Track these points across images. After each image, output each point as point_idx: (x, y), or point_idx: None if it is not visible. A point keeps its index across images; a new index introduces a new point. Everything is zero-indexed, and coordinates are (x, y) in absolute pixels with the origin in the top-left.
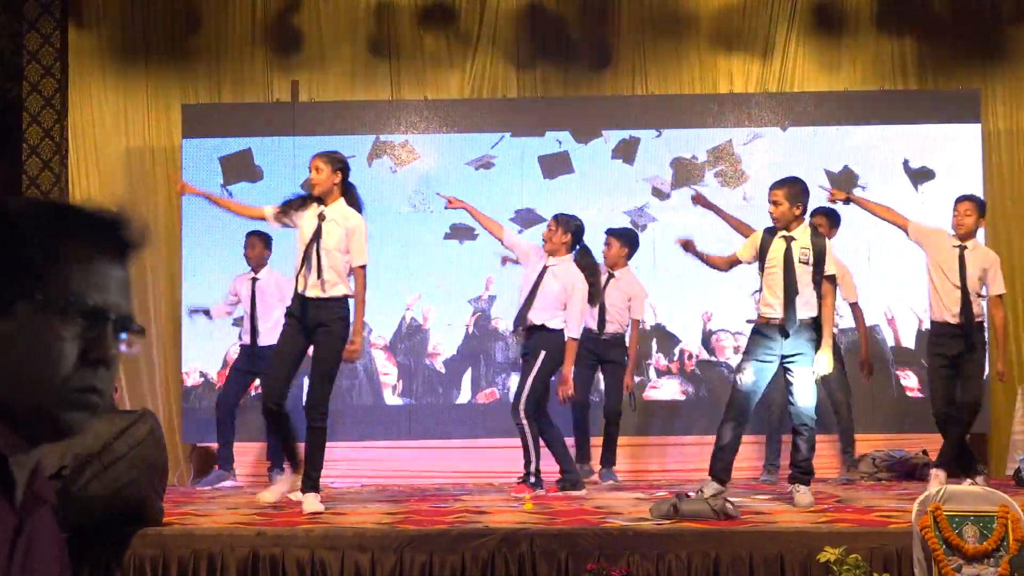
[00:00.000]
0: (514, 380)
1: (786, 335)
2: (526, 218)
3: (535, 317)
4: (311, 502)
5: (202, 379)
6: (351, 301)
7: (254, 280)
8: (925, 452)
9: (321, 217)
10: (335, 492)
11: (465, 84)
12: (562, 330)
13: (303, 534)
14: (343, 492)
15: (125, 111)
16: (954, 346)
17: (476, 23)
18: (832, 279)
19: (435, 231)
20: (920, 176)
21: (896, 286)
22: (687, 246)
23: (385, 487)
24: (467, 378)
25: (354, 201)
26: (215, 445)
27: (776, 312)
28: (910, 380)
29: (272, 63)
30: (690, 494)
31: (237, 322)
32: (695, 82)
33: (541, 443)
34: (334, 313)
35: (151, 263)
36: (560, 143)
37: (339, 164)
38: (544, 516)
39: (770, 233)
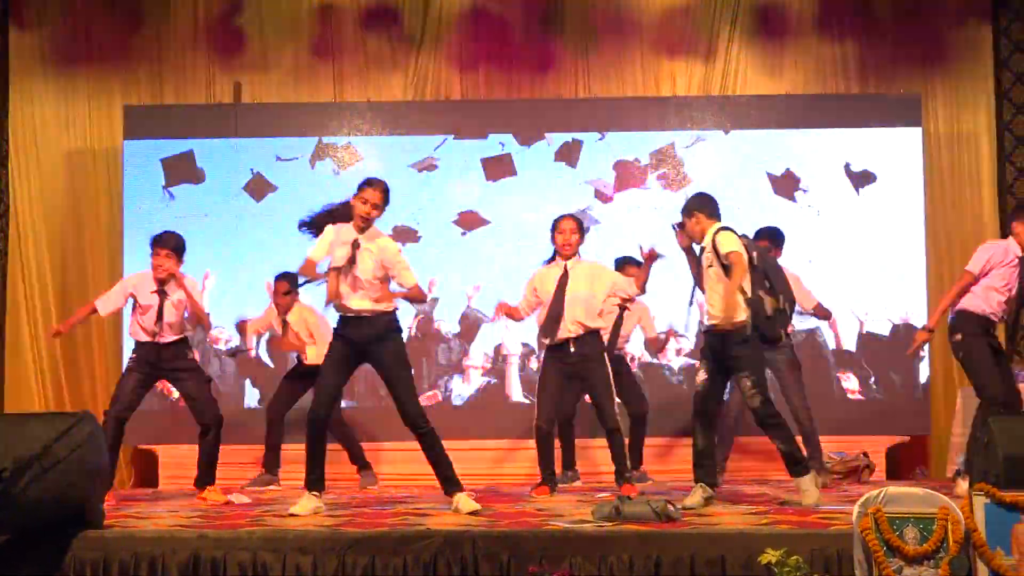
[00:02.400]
0: (456, 382)
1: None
2: (469, 221)
3: None
4: (467, 502)
5: None
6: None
7: None
8: (866, 454)
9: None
10: (276, 494)
11: (408, 86)
12: None
13: (245, 536)
14: (285, 494)
15: (66, 112)
16: None
17: (419, 25)
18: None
19: None
20: (861, 179)
21: (836, 289)
22: None
23: (327, 490)
24: None
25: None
26: (156, 448)
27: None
28: (851, 382)
29: (214, 64)
30: (631, 496)
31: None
32: (638, 85)
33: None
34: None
35: (92, 265)
36: (503, 145)
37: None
38: (486, 518)
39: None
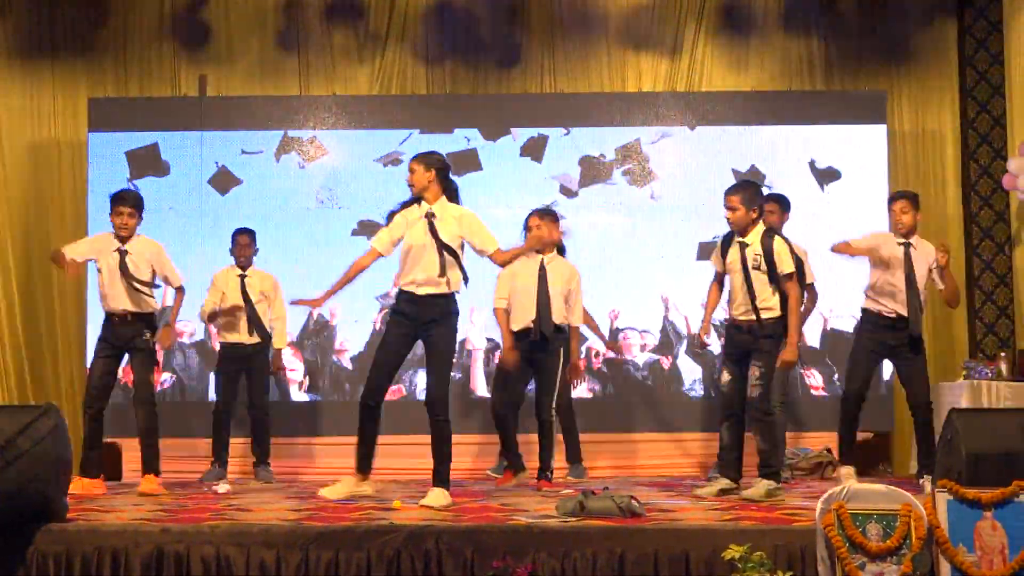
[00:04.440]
0: (420, 376)
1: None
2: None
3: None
4: (439, 496)
5: None
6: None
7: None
8: (829, 450)
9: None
10: (240, 487)
11: (374, 80)
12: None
13: (208, 530)
14: (248, 488)
15: (31, 104)
16: None
17: (385, 19)
18: (791, 276)
19: (343, 227)
20: (826, 176)
21: None
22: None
23: (291, 483)
24: None
25: (455, 196)
26: (119, 440)
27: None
28: (815, 379)
29: (180, 57)
30: (595, 491)
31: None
32: (603, 80)
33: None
34: (447, 308)
35: None
36: (468, 140)
37: (436, 163)
38: (450, 513)
39: (728, 239)
